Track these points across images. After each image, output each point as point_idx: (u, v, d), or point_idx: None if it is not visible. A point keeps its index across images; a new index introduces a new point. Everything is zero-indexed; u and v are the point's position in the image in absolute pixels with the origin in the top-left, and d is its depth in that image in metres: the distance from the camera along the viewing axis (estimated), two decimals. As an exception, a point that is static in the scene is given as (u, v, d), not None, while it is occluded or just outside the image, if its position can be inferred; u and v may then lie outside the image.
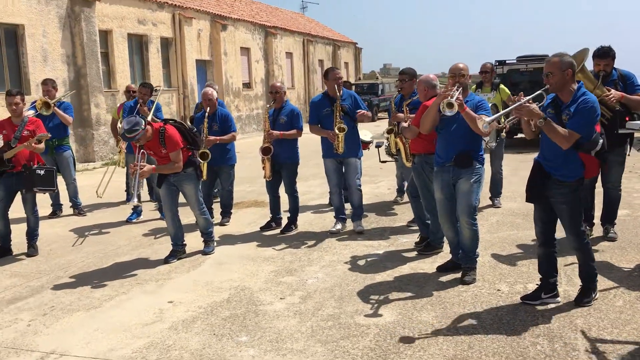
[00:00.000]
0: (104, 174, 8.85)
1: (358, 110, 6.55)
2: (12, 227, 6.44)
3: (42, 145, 6.21)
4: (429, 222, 5.83)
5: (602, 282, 4.58)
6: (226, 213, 7.55)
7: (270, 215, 7.15)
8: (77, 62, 14.90)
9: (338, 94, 6.45)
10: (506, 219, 7.09)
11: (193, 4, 20.25)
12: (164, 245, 6.36)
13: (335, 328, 4.11)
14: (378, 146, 8.32)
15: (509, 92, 7.65)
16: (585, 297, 4.29)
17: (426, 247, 5.83)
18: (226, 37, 21.57)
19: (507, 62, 14.42)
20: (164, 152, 5.67)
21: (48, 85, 8.13)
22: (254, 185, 9.98)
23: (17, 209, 6.51)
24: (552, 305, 4.30)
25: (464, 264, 5.00)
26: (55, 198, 8.27)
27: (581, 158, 4.07)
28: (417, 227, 6.32)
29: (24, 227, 6.45)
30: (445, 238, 5.52)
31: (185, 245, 6.08)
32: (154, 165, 5.72)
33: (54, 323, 4.44)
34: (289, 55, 27.31)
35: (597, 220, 6.11)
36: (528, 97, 4.00)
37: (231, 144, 7.34)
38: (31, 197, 6.28)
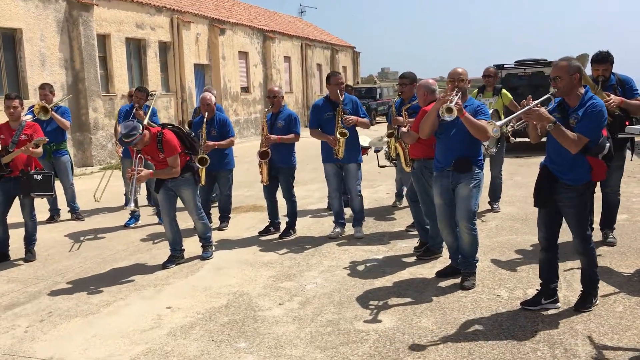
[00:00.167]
0: (101, 178, 8.82)
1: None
2: (10, 232, 6.41)
3: (39, 150, 6.19)
4: (428, 227, 5.82)
5: (602, 287, 4.56)
6: (224, 218, 7.53)
7: (269, 220, 7.13)
8: (75, 66, 14.89)
9: (340, 98, 6.45)
10: (505, 223, 7.08)
11: (191, 8, 20.26)
12: (162, 251, 6.34)
13: (334, 334, 4.09)
14: (377, 151, 8.32)
15: (511, 97, 7.67)
16: (585, 302, 4.28)
17: (425, 252, 5.81)
18: (224, 41, 21.58)
19: (505, 66, 14.44)
20: (162, 157, 5.65)
21: (45, 89, 8.11)
22: (253, 189, 9.96)
23: (15, 214, 6.48)
24: (552, 311, 4.29)
25: (463, 269, 4.98)
26: (53, 203, 8.24)
27: (589, 162, 4.07)
28: (416, 232, 6.31)
29: (21, 232, 6.43)
30: (444, 243, 5.51)
31: (184, 250, 6.06)
32: (151, 170, 5.70)
33: (52, 329, 4.41)
34: (287, 59, 27.33)
35: (596, 225, 6.10)
36: (537, 101, 4.00)
37: (229, 148, 7.33)
38: (29, 202, 6.26)
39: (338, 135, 6.37)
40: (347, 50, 35.46)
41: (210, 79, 21.09)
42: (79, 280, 5.59)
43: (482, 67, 7.96)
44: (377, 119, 27.86)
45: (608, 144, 4.10)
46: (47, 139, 6.33)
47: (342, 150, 6.41)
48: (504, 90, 7.68)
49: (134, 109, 7.69)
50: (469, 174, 4.82)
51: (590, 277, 4.28)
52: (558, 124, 3.93)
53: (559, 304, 4.35)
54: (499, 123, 4.07)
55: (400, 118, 6.26)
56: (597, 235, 6.09)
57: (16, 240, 6.54)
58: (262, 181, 6.89)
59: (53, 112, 7.88)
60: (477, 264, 5.04)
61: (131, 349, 4.00)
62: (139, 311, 4.70)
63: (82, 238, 7.22)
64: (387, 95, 31.00)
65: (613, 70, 5.62)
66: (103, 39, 15.96)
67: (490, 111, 5.93)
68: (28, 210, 6.28)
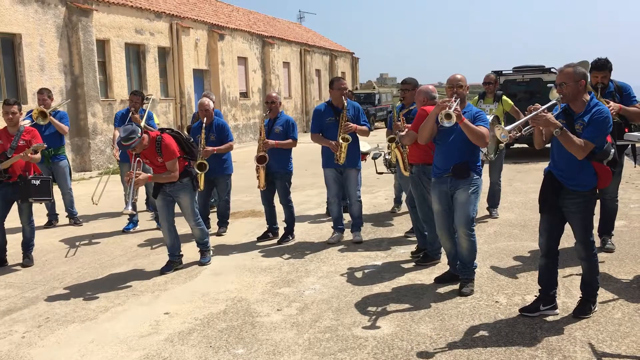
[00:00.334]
0: (98, 182, 8.81)
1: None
2: (8, 237, 6.40)
3: (38, 155, 6.19)
4: (427, 232, 5.82)
5: (600, 293, 4.55)
6: (223, 223, 7.52)
7: (267, 226, 7.13)
8: (74, 71, 14.90)
9: (344, 103, 6.47)
10: (504, 229, 7.08)
11: (191, 13, 20.31)
12: (161, 256, 6.32)
13: (332, 340, 4.08)
14: (374, 158, 8.32)
15: (512, 103, 7.68)
16: (584, 309, 4.27)
17: (424, 259, 5.81)
18: (223, 46, 21.62)
19: (503, 72, 14.48)
20: (160, 161, 5.65)
21: (44, 94, 8.12)
22: (251, 195, 9.96)
23: (12, 219, 6.47)
24: (551, 318, 4.28)
25: (461, 275, 4.98)
26: (51, 208, 8.23)
27: (595, 168, 4.07)
28: (414, 238, 6.31)
29: (19, 237, 6.41)
30: (442, 249, 5.50)
31: (182, 256, 6.05)
32: (149, 174, 5.69)
33: (49, 335, 4.40)
34: (286, 64, 27.38)
35: (594, 231, 6.09)
36: (544, 107, 4.01)
37: (228, 153, 7.33)
38: (27, 208, 6.25)
39: (341, 141, 6.38)
40: (346, 56, 35.54)
41: (209, 85, 21.12)
42: (77, 285, 5.57)
43: (481, 73, 7.99)
44: (376, 124, 27.92)
45: (613, 150, 4.12)
46: (45, 145, 6.33)
47: (344, 155, 6.42)
48: (504, 97, 7.69)
49: (130, 113, 7.70)
50: (467, 180, 4.82)
51: (591, 284, 4.28)
52: (565, 130, 3.93)
53: (557, 311, 4.35)
54: (507, 128, 4.05)
55: (399, 123, 6.27)
56: (595, 241, 6.09)
57: (14, 246, 6.53)
58: (259, 186, 6.89)
59: (51, 117, 7.87)
60: (475, 270, 5.04)
61: (129, 355, 3.99)
62: (136, 317, 4.69)
63: (77, 243, 7.21)
64: (386, 100, 31.07)
65: (611, 77, 5.65)
66: (102, 44, 15.98)
67: (491, 118, 5.94)
68: (26, 216, 6.27)
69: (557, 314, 4.32)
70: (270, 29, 27.43)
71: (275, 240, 6.94)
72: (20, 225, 6.34)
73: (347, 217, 7.09)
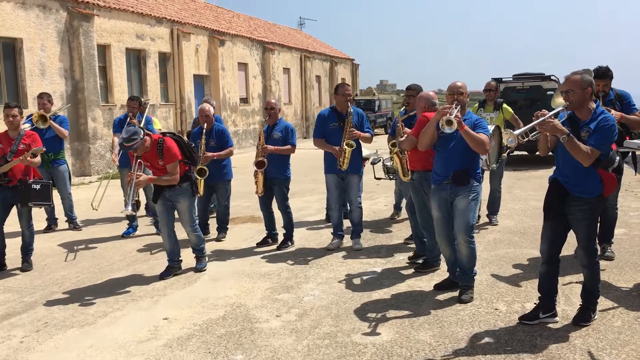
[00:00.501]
0: (98, 187, 8.80)
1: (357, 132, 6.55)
2: (7, 241, 6.39)
3: (37, 159, 6.19)
4: (426, 239, 5.81)
5: (600, 301, 4.53)
6: (222, 228, 7.51)
7: (267, 232, 7.12)
8: (74, 76, 14.92)
9: (349, 109, 6.48)
10: (504, 236, 7.08)
11: (191, 19, 20.36)
12: (160, 261, 6.32)
13: (331, 347, 4.07)
14: (373, 163, 8.32)
15: (512, 112, 7.69)
16: (584, 317, 4.27)
17: (423, 265, 5.80)
18: (224, 52, 21.66)
19: (503, 80, 14.51)
20: (161, 164, 5.65)
21: (44, 99, 8.12)
22: (251, 200, 9.94)
23: (12, 223, 6.46)
24: (551, 325, 4.28)
25: (461, 282, 4.97)
26: (50, 212, 8.23)
27: (600, 175, 4.08)
28: (414, 245, 6.30)
29: (18, 241, 6.41)
30: (442, 256, 5.50)
31: (181, 261, 6.04)
32: (150, 176, 5.70)
33: (47, 340, 4.38)
34: (287, 70, 27.43)
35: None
36: (551, 113, 4.01)
37: (228, 159, 7.34)
38: (27, 212, 6.25)
39: (345, 146, 6.39)
40: (346, 63, 35.60)
41: (210, 90, 21.15)
42: (76, 290, 5.56)
43: (480, 81, 8.01)
44: (376, 130, 27.96)
45: (618, 158, 4.14)
46: (44, 149, 6.33)
47: (347, 161, 6.43)
48: (505, 105, 7.70)
49: (128, 119, 7.70)
50: (467, 186, 4.82)
51: (592, 292, 4.27)
52: (572, 137, 3.94)
53: (557, 318, 4.34)
54: (515, 132, 4.06)
55: (399, 126, 6.27)
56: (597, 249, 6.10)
57: (13, 250, 6.52)
58: (256, 192, 6.89)
59: (51, 121, 7.88)
60: (475, 277, 5.03)
61: (127, 361, 3.98)
62: (135, 322, 4.68)
63: (76, 248, 7.20)
64: (386, 107, 31.12)
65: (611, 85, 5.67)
66: (103, 49, 16.01)
67: (492, 127, 5.94)
68: (26, 220, 6.27)
69: (557, 322, 4.32)
70: (271, 35, 27.50)
71: (274, 246, 6.94)
72: (20, 230, 6.34)
73: (346, 223, 7.09)
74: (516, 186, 10.83)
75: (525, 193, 10.03)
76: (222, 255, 6.64)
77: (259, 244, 7.04)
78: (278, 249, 6.83)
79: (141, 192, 7.75)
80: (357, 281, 5.54)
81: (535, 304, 4.45)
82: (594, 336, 4.08)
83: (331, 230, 6.94)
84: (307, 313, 4.73)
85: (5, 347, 4.28)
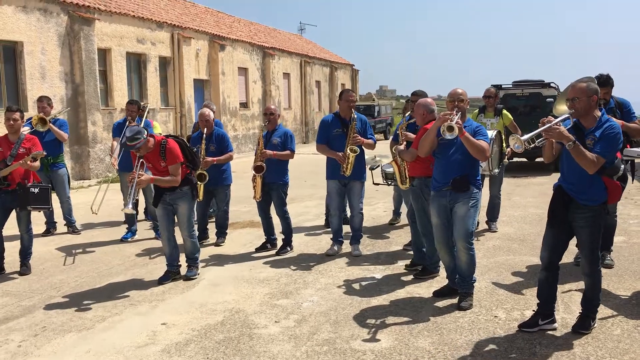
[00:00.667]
0: (98, 190, 8.80)
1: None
2: (6, 244, 6.36)
3: (37, 163, 6.18)
4: (424, 249, 5.80)
5: (599, 310, 4.53)
6: (221, 233, 7.50)
7: (266, 237, 7.11)
8: (75, 79, 14.93)
9: (353, 115, 6.49)
10: (503, 243, 7.07)
11: (192, 24, 20.40)
12: (159, 266, 6.30)
13: (330, 353, 4.06)
14: (372, 168, 8.32)
15: (511, 118, 7.70)
16: (584, 324, 4.26)
17: (422, 272, 5.79)
18: (224, 57, 21.70)
19: (502, 86, 14.54)
20: (163, 166, 5.65)
21: (43, 102, 8.13)
22: (250, 205, 9.93)
23: (10, 226, 6.45)
24: (550, 333, 4.27)
25: (460, 289, 4.97)
26: (49, 216, 8.21)
27: (605, 183, 4.08)
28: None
29: (17, 245, 6.39)
30: (441, 262, 5.49)
31: (180, 266, 6.02)
32: (152, 176, 5.69)
33: (45, 344, 4.37)
34: (287, 75, 27.47)
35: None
36: (557, 120, 4.01)
37: (227, 164, 7.34)
38: (25, 216, 6.24)
39: (349, 152, 6.39)
40: (346, 68, 35.67)
41: (210, 95, 21.17)
42: (74, 294, 5.55)
43: (481, 87, 8.03)
44: (375, 136, 28.00)
45: (622, 166, 4.14)
46: (44, 153, 6.33)
47: (351, 167, 6.43)
48: (505, 111, 7.71)
49: (127, 122, 7.70)
50: (467, 193, 4.82)
51: (592, 300, 4.26)
52: (577, 144, 3.94)
53: (556, 324, 4.34)
54: (523, 138, 4.05)
55: (409, 133, 6.25)
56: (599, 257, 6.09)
57: (12, 253, 6.50)
58: (254, 197, 6.88)
59: (51, 124, 7.88)
60: (474, 284, 5.03)
61: (125, 366, 3.96)
62: (133, 327, 4.66)
63: (75, 252, 7.18)
64: (385, 113, 31.15)
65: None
66: (104, 53, 16.04)
67: (494, 132, 5.94)
68: (24, 224, 6.25)
69: (556, 328, 4.31)
70: (271, 40, 27.55)
71: (273, 252, 6.93)
72: (19, 233, 6.32)
73: (345, 229, 7.08)
74: (515, 193, 10.84)
75: (524, 200, 10.03)
76: (221, 261, 6.62)
77: (258, 249, 7.03)
78: (277, 254, 6.82)
79: (141, 196, 7.76)
80: (356, 287, 5.53)
81: (534, 311, 4.44)
82: (593, 344, 4.07)
83: (330, 235, 6.93)
84: (305, 319, 4.72)
85: (3, 351, 4.27)
